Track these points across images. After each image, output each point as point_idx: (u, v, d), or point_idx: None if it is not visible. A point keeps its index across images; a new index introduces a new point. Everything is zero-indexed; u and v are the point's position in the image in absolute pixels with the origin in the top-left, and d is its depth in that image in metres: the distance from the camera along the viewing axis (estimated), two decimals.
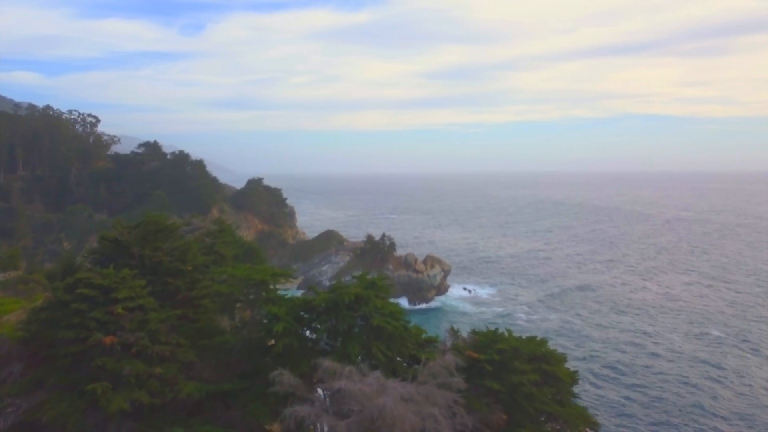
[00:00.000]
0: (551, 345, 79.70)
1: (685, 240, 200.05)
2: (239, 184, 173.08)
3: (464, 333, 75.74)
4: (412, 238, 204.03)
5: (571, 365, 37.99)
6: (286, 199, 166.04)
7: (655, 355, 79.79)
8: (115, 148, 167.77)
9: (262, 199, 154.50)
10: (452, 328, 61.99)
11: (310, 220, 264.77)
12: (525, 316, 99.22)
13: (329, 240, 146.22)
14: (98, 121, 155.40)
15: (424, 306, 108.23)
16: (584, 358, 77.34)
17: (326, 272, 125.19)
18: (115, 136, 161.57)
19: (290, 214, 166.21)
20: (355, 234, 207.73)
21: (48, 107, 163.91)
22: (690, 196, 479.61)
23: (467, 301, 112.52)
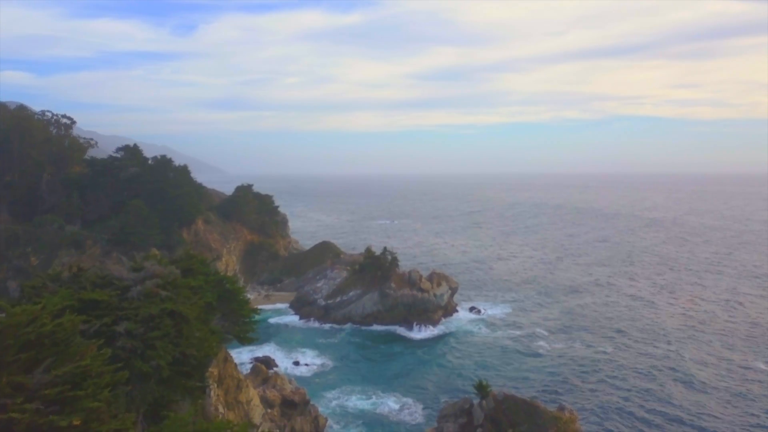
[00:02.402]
0: (583, 384, 68.25)
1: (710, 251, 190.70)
2: (232, 185, 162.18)
3: (492, 380, 64.77)
4: (411, 247, 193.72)
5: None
6: (278, 206, 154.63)
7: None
8: (105, 151, 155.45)
9: (252, 208, 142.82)
10: (480, 383, 51.11)
11: (303, 225, 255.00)
12: (546, 344, 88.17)
13: (324, 252, 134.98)
14: (74, 122, 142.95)
15: (430, 333, 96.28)
16: (625, 400, 66.42)
17: (321, 289, 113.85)
18: (91, 139, 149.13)
19: (282, 223, 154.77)
20: (350, 242, 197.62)
21: (22, 107, 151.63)
22: (688, 199, 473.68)
23: (479, 323, 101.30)
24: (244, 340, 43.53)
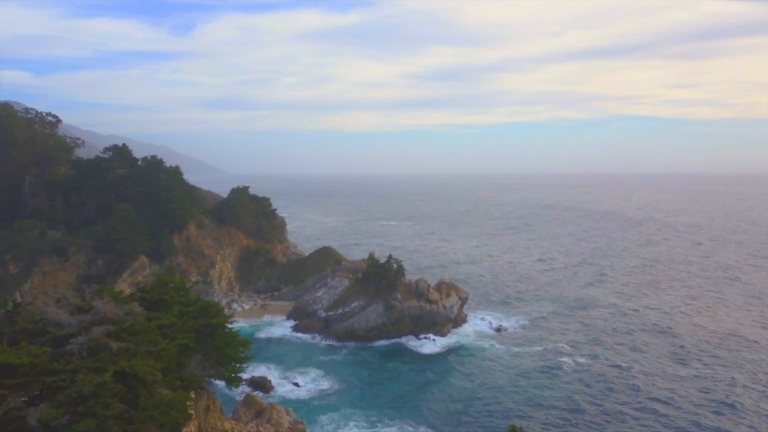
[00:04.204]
0: (620, 408, 60.49)
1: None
2: (231, 185, 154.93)
3: (515, 408, 57.21)
4: (412, 250, 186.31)
5: None
6: (275, 209, 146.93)
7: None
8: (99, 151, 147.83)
9: (248, 211, 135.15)
10: (513, 429, 43.77)
11: (302, 227, 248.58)
12: (571, 360, 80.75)
13: (325, 258, 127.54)
14: (59, 120, 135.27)
15: (440, 349, 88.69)
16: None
17: (322, 299, 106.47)
18: (78, 139, 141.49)
19: (280, 226, 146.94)
20: (351, 245, 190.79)
21: (6, 105, 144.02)
22: (688, 200, 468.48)
23: (493, 338, 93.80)
24: (233, 383, 36.26)
